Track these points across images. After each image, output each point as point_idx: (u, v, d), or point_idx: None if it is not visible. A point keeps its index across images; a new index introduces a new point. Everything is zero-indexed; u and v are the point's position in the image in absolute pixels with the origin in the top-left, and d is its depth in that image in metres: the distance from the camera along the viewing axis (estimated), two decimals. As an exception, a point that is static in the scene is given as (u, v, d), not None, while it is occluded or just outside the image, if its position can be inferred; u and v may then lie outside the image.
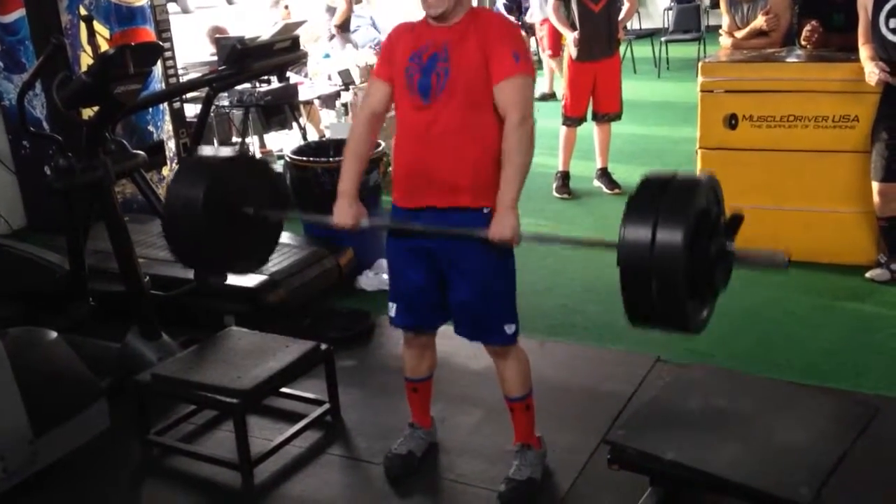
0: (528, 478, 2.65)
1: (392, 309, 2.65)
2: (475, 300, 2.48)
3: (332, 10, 7.59)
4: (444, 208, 2.42)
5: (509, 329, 2.54)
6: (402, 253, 2.56)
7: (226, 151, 2.78)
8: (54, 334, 3.00)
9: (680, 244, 2.01)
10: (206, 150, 3.03)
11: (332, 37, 7.54)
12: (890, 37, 3.71)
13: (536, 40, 9.05)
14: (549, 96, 8.63)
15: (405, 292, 2.60)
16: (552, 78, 8.68)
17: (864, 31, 3.82)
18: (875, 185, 3.88)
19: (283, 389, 3.13)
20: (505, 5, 9.90)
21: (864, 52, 3.83)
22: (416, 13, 2.54)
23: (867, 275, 4.00)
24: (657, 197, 2.09)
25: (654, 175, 2.16)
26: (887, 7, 3.70)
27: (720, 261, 2.14)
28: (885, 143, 3.82)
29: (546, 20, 8.54)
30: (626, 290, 2.13)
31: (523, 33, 9.86)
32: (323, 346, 3.11)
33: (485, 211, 2.39)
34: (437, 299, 2.58)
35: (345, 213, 2.48)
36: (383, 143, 4.37)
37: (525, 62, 2.34)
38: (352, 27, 7.78)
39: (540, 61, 9.15)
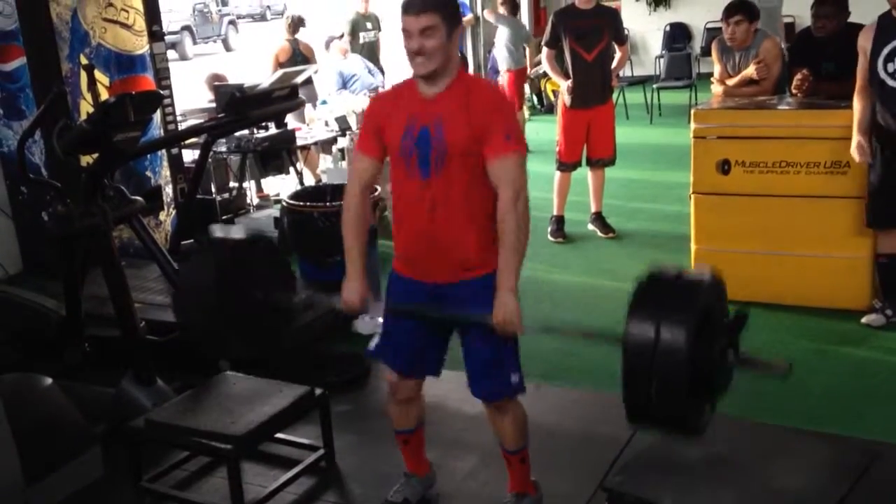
0: (524, 524, 2.63)
1: (374, 339, 2.65)
2: (485, 346, 2.46)
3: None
4: (456, 283, 2.43)
5: (515, 378, 2.51)
6: (407, 299, 2.55)
7: (237, 232, 2.86)
8: (49, 380, 2.99)
9: (683, 345, 2.04)
10: (218, 231, 3.11)
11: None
12: (888, 81, 3.70)
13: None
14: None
15: (400, 338, 2.59)
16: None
17: (863, 74, 3.81)
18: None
19: (278, 435, 3.11)
20: None
21: (857, 106, 3.82)
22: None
23: (863, 320, 4.01)
24: (661, 295, 2.13)
25: (658, 271, 2.20)
26: (886, 50, 3.69)
27: (722, 363, 2.17)
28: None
29: (508, 71, 8.69)
30: (627, 388, 2.15)
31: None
32: (318, 391, 3.10)
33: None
34: (431, 350, 2.59)
35: (352, 294, 2.51)
36: (379, 188, 4.40)
37: (516, 141, 2.32)
38: (346, 72, 7.87)
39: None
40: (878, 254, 3.99)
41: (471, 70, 10.37)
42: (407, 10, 2.29)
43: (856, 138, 3.83)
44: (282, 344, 2.91)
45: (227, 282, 2.61)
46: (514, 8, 8.77)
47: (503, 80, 8.90)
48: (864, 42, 3.79)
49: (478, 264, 2.40)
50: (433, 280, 2.45)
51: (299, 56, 7.37)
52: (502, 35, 8.69)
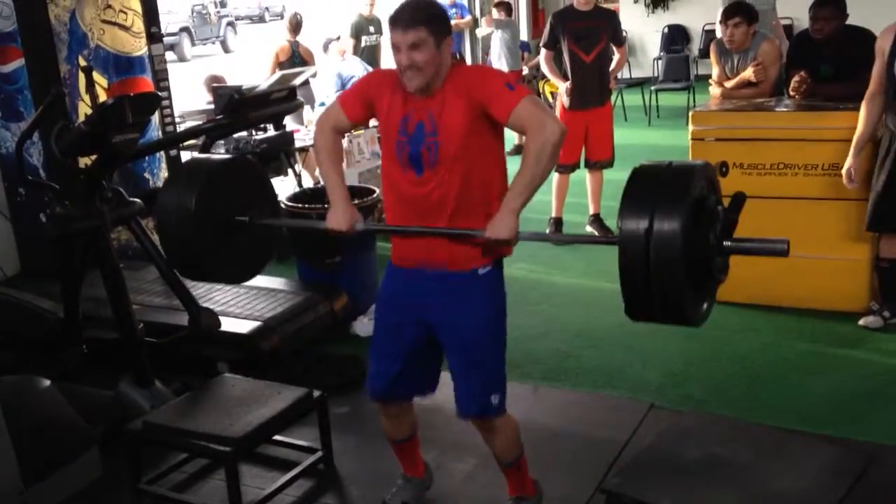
0: (524, 526, 2.63)
1: (369, 376, 2.61)
2: (465, 363, 2.44)
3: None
4: (451, 272, 2.40)
5: (495, 399, 2.45)
6: (393, 316, 2.51)
7: (219, 156, 2.76)
8: (47, 382, 2.99)
9: (678, 234, 1.98)
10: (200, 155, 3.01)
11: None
12: None
13: None
14: (520, 149, 8.62)
15: (385, 365, 2.54)
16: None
17: (877, 77, 3.69)
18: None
19: (276, 437, 3.11)
20: None
21: (863, 114, 3.71)
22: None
23: (860, 322, 4.00)
24: (653, 187, 2.08)
25: (648, 165, 2.15)
26: None
27: (719, 249, 2.11)
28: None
29: (510, 72, 8.70)
30: (625, 282, 2.08)
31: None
32: (316, 393, 3.10)
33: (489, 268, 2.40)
34: (416, 372, 2.55)
35: (339, 217, 2.45)
36: (377, 191, 4.40)
37: (519, 87, 2.30)
38: (345, 73, 7.87)
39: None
40: (879, 258, 3.97)
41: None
42: (394, 24, 2.25)
43: (849, 161, 3.78)
44: (262, 264, 2.82)
45: (207, 204, 2.54)
46: (508, 10, 8.80)
47: None
48: (883, 43, 3.66)
49: (472, 260, 2.37)
50: (431, 269, 2.42)
51: (298, 58, 7.37)
52: (500, 38, 8.70)
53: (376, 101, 2.40)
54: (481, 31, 9.17)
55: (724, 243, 2.12)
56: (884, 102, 3.71)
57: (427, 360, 2.55)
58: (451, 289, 2.40)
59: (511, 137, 9.06)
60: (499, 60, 8.74)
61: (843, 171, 3.83)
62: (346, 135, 6.68)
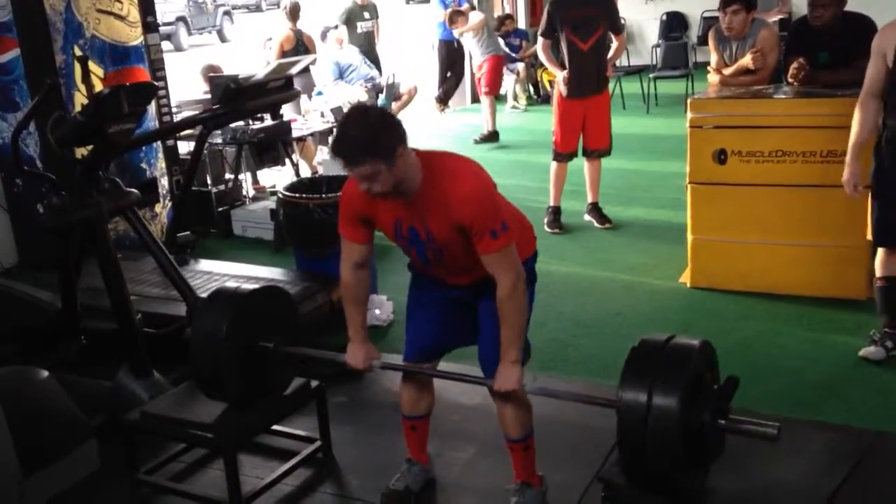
0: (525, 515, 2.63)
1: (405, 345, 2.75)
2: (493, 335, 2.50)
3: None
4: (470, 283, 2.55)
5: (519, 354, 2.53)
6: (425, 296, 2.68)
7: (247, 286, 2.93)
8: (45, 373, 2.98)
9: (675, 412, 2.12)
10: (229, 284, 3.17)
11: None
12: None
13: (475, 81, 9.18)
14: (494, 135, 8.53)
15: (420, 329, 2.69)
16: (494, 117, 8.57)
17: (874, 80, 3.37)
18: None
19: (275, 427, 3.11)
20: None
21: (858, 119, 3.43)
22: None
23: (860, 354, 3.62)
24: (653, 363, 2.22)
25: (650, 339, 2.30)
26: None
27: (713, 428, 2.23)
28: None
29: (484, 62, 8.68)
30: (622, 452, 2.25)
31: (516, 71, 10.00)
32: (314, 383, 3.10)
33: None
34: (449, 333, 2.69)
35: (357, 355, 2.63)
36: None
37: (502, 234, 2.34)
38: (343, 62, 7.85)
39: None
40: (879, 277, 3.61)
41: (467, 59, 10.35)
42: (336, 156, 2.27)
43: (849, 167, 3.52)
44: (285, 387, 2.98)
45: (238, 333, 2.70)
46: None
47: (478, 73, 8.82)
48: (884, 43, 3.31)
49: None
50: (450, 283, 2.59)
51: (302, 47, 7.35)
52: (469, 36, 8.78)
53: (369, 213, 2.47)
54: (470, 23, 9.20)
55: (719, 421, 2.23)
56: (880, 105, 3.42)
57: (462, 312, 2.65)
58: (476, 289, 2.55)
59: (479, 127, 8.97)
60: (479, 53, 8.73)
61: (845, 181, 3.54)
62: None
